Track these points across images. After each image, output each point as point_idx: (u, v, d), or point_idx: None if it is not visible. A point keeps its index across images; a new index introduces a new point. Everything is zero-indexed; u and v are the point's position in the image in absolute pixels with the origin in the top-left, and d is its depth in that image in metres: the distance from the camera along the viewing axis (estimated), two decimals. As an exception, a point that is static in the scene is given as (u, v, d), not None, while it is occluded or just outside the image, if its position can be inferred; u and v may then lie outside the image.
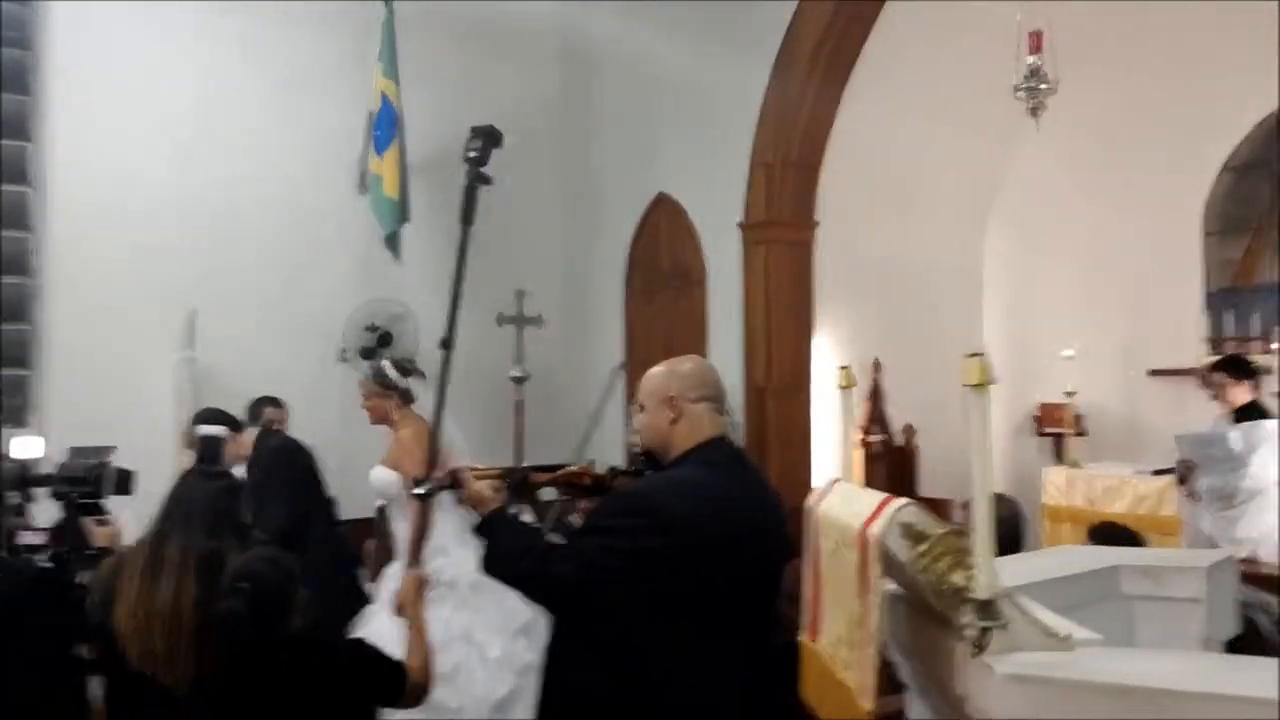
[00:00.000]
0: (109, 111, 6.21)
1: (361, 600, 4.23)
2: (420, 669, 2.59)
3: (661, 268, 7.01)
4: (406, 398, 4.06)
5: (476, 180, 2.91)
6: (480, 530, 2.28)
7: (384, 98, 6.43)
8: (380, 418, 4.10)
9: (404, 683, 2.54)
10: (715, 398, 2.32)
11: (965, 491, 5.39)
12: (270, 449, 4.28)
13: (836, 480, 1.94)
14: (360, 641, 2.65)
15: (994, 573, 1.43)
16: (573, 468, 2.44)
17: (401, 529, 4.10)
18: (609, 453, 6.90)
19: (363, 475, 5.32)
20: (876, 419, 6.43)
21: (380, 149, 6.40)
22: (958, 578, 1.51)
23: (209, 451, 2.95)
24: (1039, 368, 7.01)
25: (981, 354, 1.42)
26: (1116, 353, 6.88)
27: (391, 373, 4.07)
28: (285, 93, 6.68)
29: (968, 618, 1.44)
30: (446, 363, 2.90)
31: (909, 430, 6.42)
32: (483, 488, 2.29)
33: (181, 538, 2.54)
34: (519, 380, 6.50)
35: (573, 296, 7.51)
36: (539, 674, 3.84)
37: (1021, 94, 5.49)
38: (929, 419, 6.52)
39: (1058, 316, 7.09)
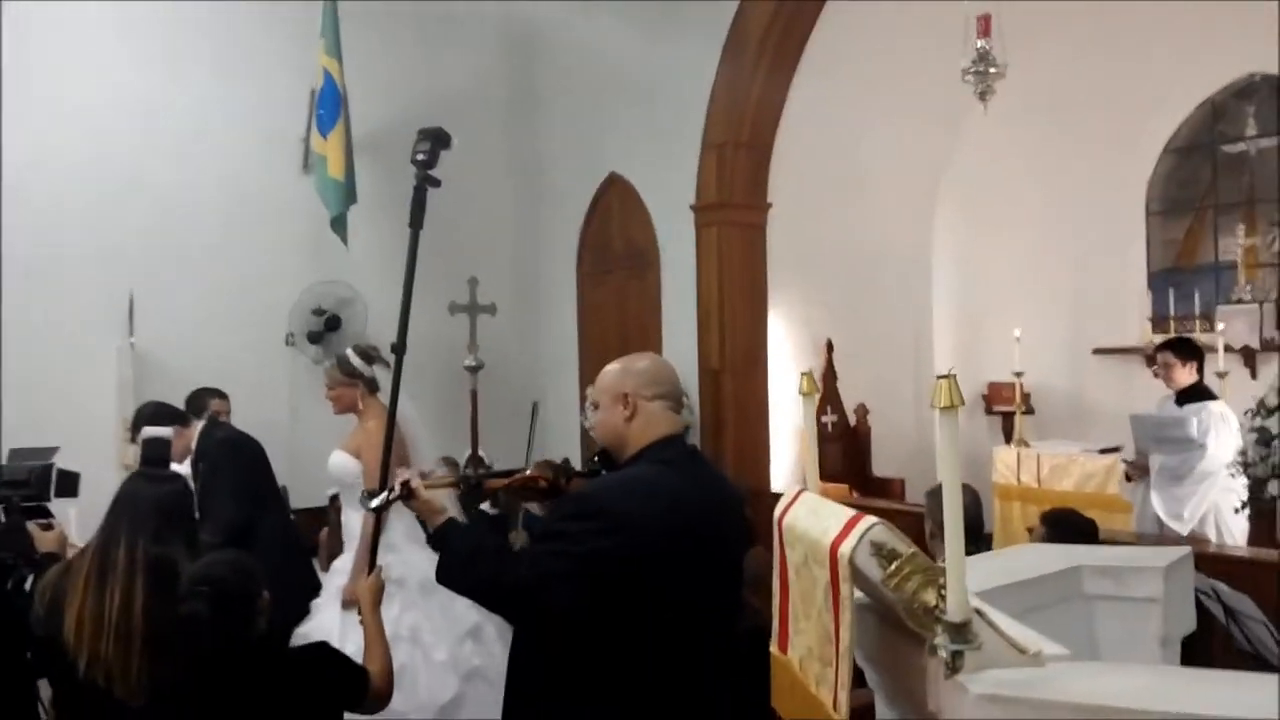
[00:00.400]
0: (45, 93, 5.96)
1: (314, 592, 4.17)
2: (381, 673, 2.59)
3: (614, 249, 6.96)
4: (372, 386, 4.01)
5: (425, 183, 2.89)
6: (433, 542, 2.25)
7: (327, 75, 6.26)
8: (345, 407, 4.04)
9: (367, 687, 2.54)
10: (671, 395, 2.31)
11: (916, 470, 5.47)
12: (216, 441, 4.19)
13: (802, 490, 1.94)
14: (324, 645, 2.63)
15: (966, 595, 1.44)
16: (527, 472, 2.42)
17: (353, 519, 4.04)
18: (564, 447, 6.89)
19: (312, 463, 5.24)
20: (830, 399, 6.48)
21: (324, 129, 6.24)
22: (928, 596, 1.52)
23: (155, 453, 2.87)
24: (987, 347, 7.12)
25: (951, 375, 1.41)
26: (1062, 331, 7.02)
27: (356, 360, 4.00)
28: (226, 71, 6.46)
29: (941, 639, 1.45)
30: (399, 366, 2.87)
31: (861, 410, 6.49)
32: (434, 498, 2.26)
33: (129, 543, 2.49)
34: (473, 369, 6.43)
35: (523, 281, 7.43)
36: (485, 680, 3.88)
37: (970, 78, 5.51)
38: (881, 399, 6.60)
39: (1005, 296, 7.20)
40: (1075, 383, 7.04)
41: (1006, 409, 6.61)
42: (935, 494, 3.16)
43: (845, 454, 6.41)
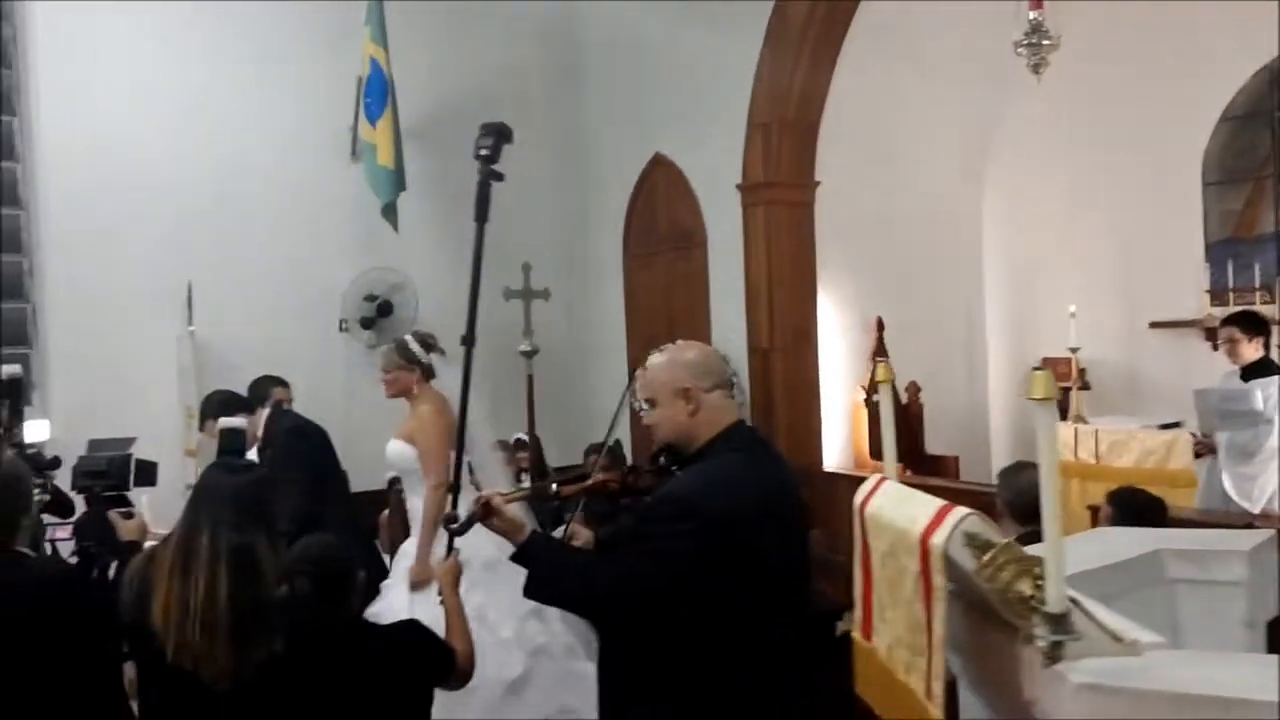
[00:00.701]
0: (96, 85, 6.07)
1: (381, 575, 4.25)
2: (465, 651, 2.68)
3: (660, 230, 6.96)
4: (429, 373, 4.06)
5: (489, 177, 2.91)
6: (519, 559, 2.26)
7: (374, 63, 6.30)
8: (399, 391, 4.10)
9: (454, 664, 2.62)
10: (725, 383, 2.32)
11: (970, 448, 5.44)
12: (283, 429, 4.28)
13: (883, 478, 1.95)
14: (415, 622, 2.70)
15: (1064, 586, 1.44)
16: (599, 476, 2.44)
17: (416, 503, 4.11)
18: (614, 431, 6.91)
19: (366, 446, 5.31)
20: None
21: (373, 117, 6.28)
22: (1023, 586, 1.52)
23: (233, 443, 2.93)
24: (1040, 321, 7.04)
25: (1045, 368, 1.41)
26: (1117, 305, 6.91)
27: (415, 347, 4.06)
28: (273, 59, 6.53)
29: (1040, 629, 1.45)
30: (469, 357, 2.91)
31: (913, 388, 6.45)
32: (514, 515, 2.28)
33: (211, 533, 2.54)
34: (529, 354, 6.47)
35: (570, 264, 7.44)
36: (549, 656, 3.93)
37: (1022, 50, 5.42)
38: (933, 375, 6.55)
39: (1057, 270, 7.11)
40: (1131, 357, 6.94)
41: (1062, 385, 6.52)
42: (1007, 474, 3.13)
43: (897, 434, 6.35)
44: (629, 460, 6.15)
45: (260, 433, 4.38)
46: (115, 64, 6.12)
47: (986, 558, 1.54)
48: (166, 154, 6.24)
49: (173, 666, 2.45)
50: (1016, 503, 3.01)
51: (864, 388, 6.40)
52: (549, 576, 2.19)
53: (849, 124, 6.24)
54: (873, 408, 6.37)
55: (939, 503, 1.65)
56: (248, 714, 2.46)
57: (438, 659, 2.57)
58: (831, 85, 6.10)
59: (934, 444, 6.51)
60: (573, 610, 2.30)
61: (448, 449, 4.01)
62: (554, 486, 2.48)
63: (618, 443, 6.74)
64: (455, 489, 2.98)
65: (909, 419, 6.34)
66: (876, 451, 6.35)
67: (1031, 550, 1.57)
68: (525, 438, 6.13)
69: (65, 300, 6.07)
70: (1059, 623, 1.43)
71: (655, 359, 2.35)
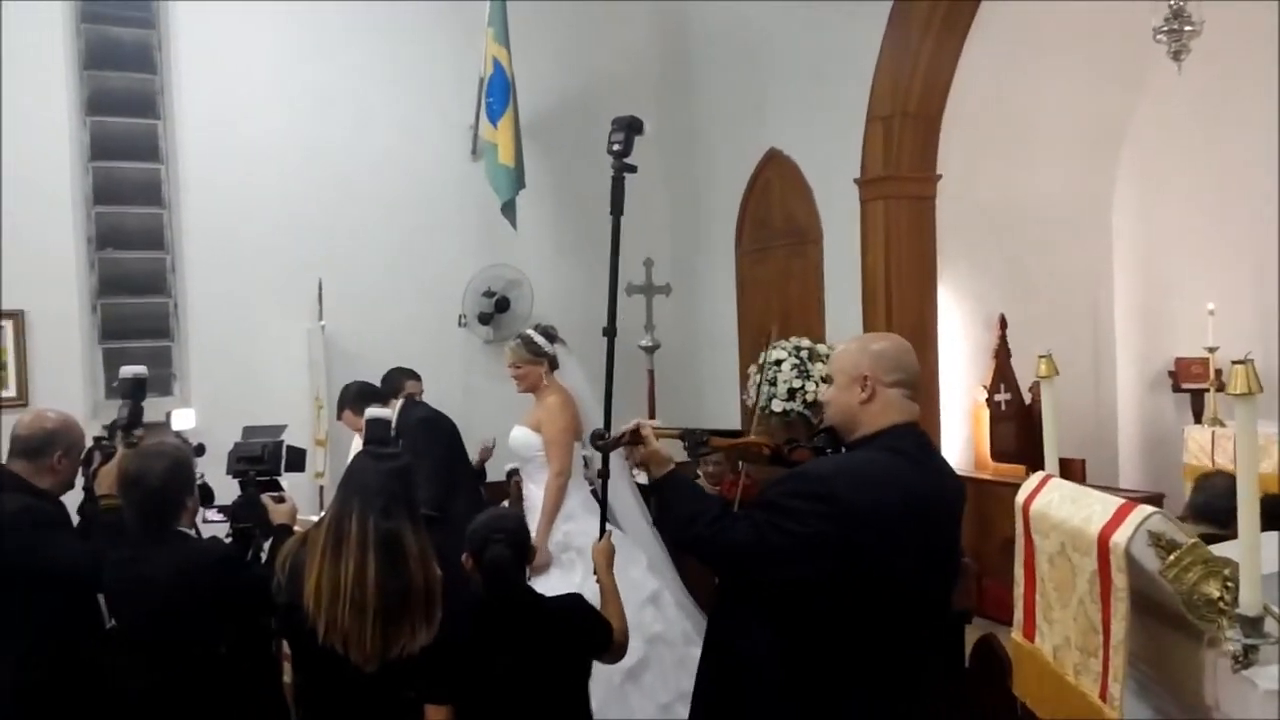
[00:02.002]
0: (233, 87, 6.34)
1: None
2: (620, 627, 2.79)
3: (774, 225, 6.90)
4: (554, 364, 4.16)
5: (623, 170, 2.97)
6: (655, 489, 2.32)
7: (496, 64, 6.40)
8: (530, 385, 4.21)
9: (612, 637, 2.73)
10: (909, 383, 2.26)
11: (1097, 450, 5.25)
12: (416, 420, 4.41)
13: (1049, 476, 1.90)
14: (579, 596, 2.81)
15: (1260, 589, 1.39)
16: (752, 436, 2.46)
17: (534, 492, 4.20)
18: (725, 419, 6.91)
19: (482, 439, 5.45)
20: (1003, 377, 6.27)
21: (494, 117, 6.39)
22: (1210, 588, 1.48)
23: (378, 433, 3.03)
24: (1172, 319, 6.75)
25: (1249, 360, 1.36)
26: (1253, 302, 6.57)
27: (540, 340, 4.19)
28: (400, 60, 6.73)
29: (1231, 633, 1.40)
30: (611, 349, 2.97)
31: (1037, 388, 6.25)
32: (662, 446, 2.32)
33: (360, 518, 2.63)
34: (649, 350, 6.51)
35: (682, 259, 7.46)
36: (665, 644, 3.95)
37: (1162, 37, 5.22)
38: (1058, 375, 6.34)
39: (1191, 266, 6.80)
40: (1270, 359, 6.60)
41: (1197, 386, 6.26)
42: (1207, 478, 3.08)
43: (1019, 433, 6.20)
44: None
45: (394, 423, 4.51)
46: (251, 66, 6.38)
47: (1172, 558, 1.49)
48: (298, 154, 6.48)
49: (323, 647, 2.55)
50: (1207, 506, 3.00)
51: (985, 387, 6.25)
52: (683, 514, 2.22)
53: (974, 114, 6.07)
54: (994, 407, 6.21)
55: (1117, 501, 1.61)
56: (390, 694, 2.56)
57: (599, 631, 2.69)
58: (956, 74, 5.95)
59: (1060, 446, 6.30)
60: (697, 554, 2.31)
61: (572, 439, 4.09)
62: (703, 433, 2.49)
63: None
64: (605, 475, 3.05)
65: (1031, 420, 6.16)
66: (998, 453, 6.19)
67: (1218, 551, 1.52)
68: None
69: (204, 296, 6.36)
70: (1254, 626, 1.38)
71: (846, 344, 2.37)
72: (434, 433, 4.26)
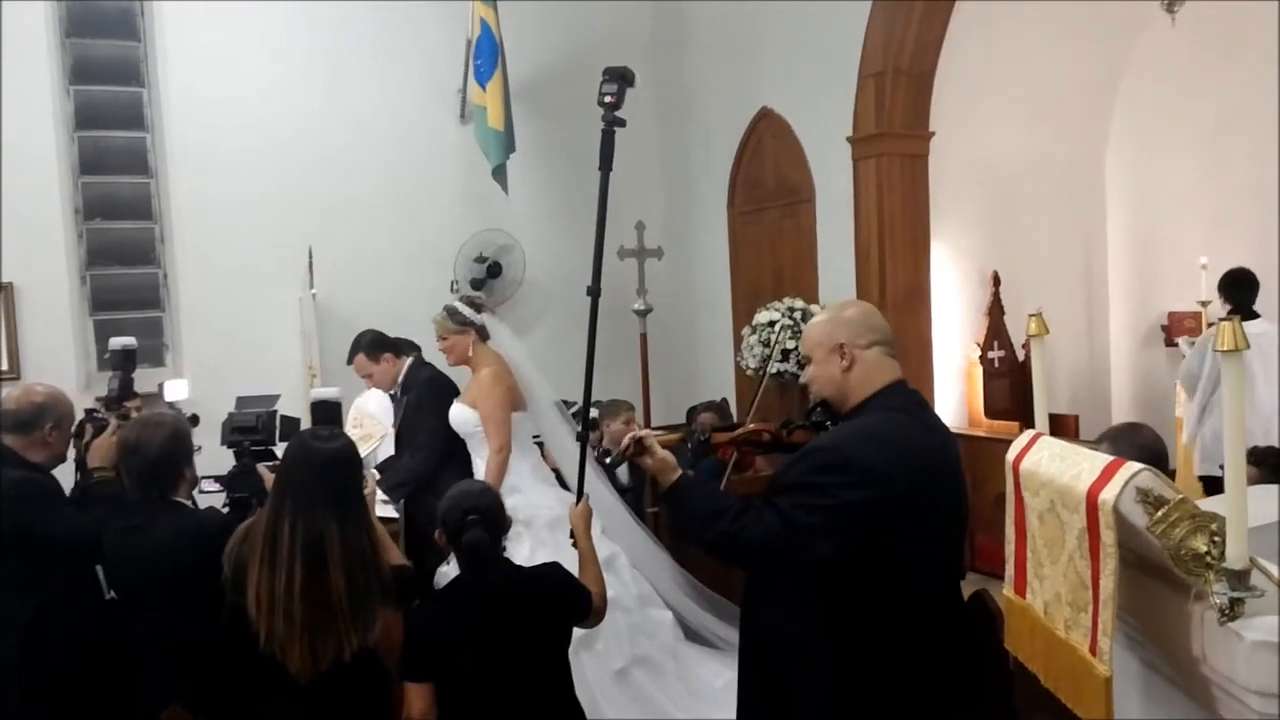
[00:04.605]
0: (219, 54, 6.27)
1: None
2: (599, 592, 2.76)
3: (766, 185, 6.87)
4: (483, 334, 4.06)
5: (613, 124, 2.90)
6: (666, 499, 2.30)
7: (484, 25, 6.33)
8: (459, 357, 4.09)
9: (591, 603, 2.71)
10: (885, 340, 2.26)
11: (1090, 406, 5.27)
12: (425, 379, 4.44)
13: (1039, 434, 1.91)
14: (557, 565, 2.76)
15: (1246, 542, 1.40)
16: (750, 426, 2.45)
17: (478, 465, 4.08)
18: (719, 387, 6.92)
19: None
20: (996, 334, 6.29)
21: (483, 80, 6.33)
22: (1197, 543, 1.49)
23: (324, 416, 2.97)
24: (1165, 275, 6.75)
25: (1234, 318, 1.36)
26: (1245, 257, 6.56)
27: (466, 310, 4.06)
28: (388, 25, 6.65)
29: (1218, 585, 1.42)
30: (595, 308, 2.94)
31: (1030, 344, 6.28)
32: (667, 455, 2.30)
33: (291, 523, 2.46)
34: (642, 313, 6.47)
35: (674, 220, 7.43)
36: (620, 608, 3.91)
37: (1156, -13, 5.18)
38: (1051, 332, 6.34)
39: (1183, 222, 6.80)
40: (1265, 311, 6.61)
41: (1190, 340, 6.26)
42: (1118, 438, 2.91)
43: (1013, 390, 6.23)
44: (734, 416, 6.15)
45: (401, 378, 4.55)
46: (235, 32, 6.30)
47: (1159, 514, 1.50)
48: (286, 122, 6.42)
49: (264, 653, 2.44)
50: (1144, 459, 2.88)
51: (979, 344, 6.26)
52: (704, 515, 2.18)
53: (966, 70, 6.03)
54: (987, 365, 6.23)
55: (1105, 458, 1.62)
56: (328, 702, 2.47)
57: (578, 598, 2.68)
58: (948, 30, 5.89)
59: (1053, 402, 6.34)
60: (721, 555, 2.27)
61: (508, 413, 4.00)
62: (706, 433, 2.48)
63: (724, 400, 6.75)
64: (584, 438, 3.00)
65: (1025, 377, 6.18)
66: (992, 410, 6.22)
67: (1205, 505, 1.53)
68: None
69: (194, 265, 6.33)
70: (1240, 579, 1.40)
71: (815, 318, 2.35)
72: (439, 393, 4.24)
